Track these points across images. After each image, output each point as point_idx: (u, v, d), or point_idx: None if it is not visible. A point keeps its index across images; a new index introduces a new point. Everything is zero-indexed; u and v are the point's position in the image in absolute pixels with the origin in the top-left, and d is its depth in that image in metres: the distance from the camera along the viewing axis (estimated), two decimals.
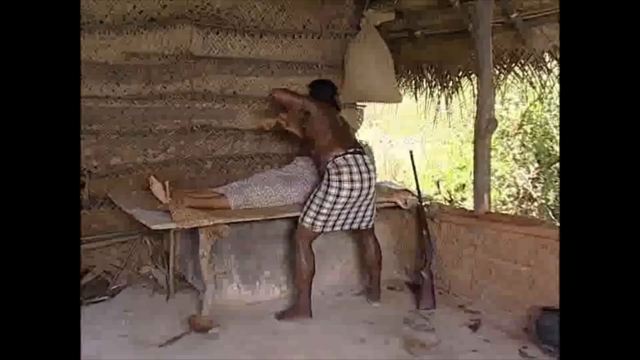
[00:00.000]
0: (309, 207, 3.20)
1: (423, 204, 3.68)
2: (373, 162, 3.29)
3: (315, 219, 3.17)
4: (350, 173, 3.12)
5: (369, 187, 3.21)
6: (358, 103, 4.75)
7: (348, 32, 4.57)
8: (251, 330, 3.08)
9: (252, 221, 3.37)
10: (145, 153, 4.03)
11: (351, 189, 3.12)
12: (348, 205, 3.19)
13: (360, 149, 3.29)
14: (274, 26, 4.40)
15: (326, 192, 3.14)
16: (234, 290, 3.49)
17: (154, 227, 3.00)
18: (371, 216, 3.38)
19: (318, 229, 3.20)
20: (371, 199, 3.29)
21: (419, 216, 3.67)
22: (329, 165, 3.15)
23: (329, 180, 3.14)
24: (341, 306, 3.48)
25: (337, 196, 3.11)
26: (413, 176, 3.72)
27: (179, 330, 3.03)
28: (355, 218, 3.30)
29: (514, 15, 3.70)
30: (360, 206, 3.24)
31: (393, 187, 4.21)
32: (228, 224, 3.08)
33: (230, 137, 4.33)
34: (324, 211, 3.15)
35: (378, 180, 3.58)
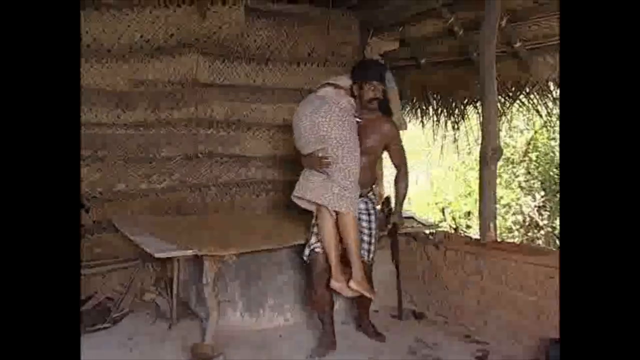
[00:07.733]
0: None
1: (403, 226, 3.58)
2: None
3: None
4: None
5: None
6: None
7: (353, 59, 4.61)
8: (256, 357, 3.03)
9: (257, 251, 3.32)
10: (150, 179, 4.03)
11: None
12: None
13: None
14: (279, 54, 4.45)
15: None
16: (237, 317, 3.45)
17: (157, 255, 2.97)
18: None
19: None
20: None
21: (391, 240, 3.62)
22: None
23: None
24: (345, 333, 3.41)
25: None
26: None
27: (181, 359, 2.98)
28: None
29: (517, 45, 3.72)
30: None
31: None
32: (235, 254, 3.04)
33: (235, 164, 4.33)
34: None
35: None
